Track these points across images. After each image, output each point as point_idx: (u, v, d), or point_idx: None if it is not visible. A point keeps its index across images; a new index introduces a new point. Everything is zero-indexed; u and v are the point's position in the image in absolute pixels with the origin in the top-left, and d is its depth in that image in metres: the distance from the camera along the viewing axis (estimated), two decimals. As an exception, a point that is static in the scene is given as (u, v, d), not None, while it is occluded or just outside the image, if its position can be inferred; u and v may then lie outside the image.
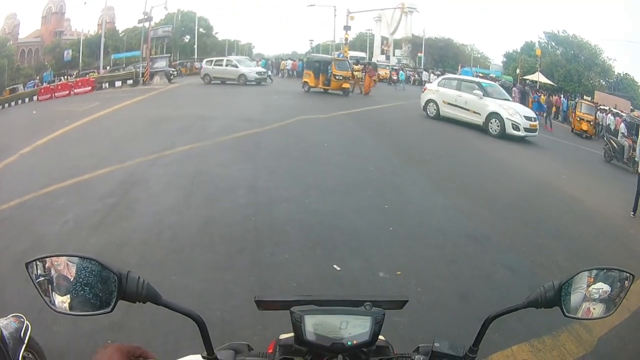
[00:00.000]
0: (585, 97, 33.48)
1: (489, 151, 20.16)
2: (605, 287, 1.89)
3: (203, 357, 1.87)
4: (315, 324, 1.83)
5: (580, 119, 28.63)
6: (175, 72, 39.06)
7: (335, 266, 8.04)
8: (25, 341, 3.99)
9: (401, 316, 5.79)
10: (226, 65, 38.53)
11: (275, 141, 17.94)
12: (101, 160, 14.23)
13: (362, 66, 37.34)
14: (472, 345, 1.92)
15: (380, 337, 1.94)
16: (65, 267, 1.68)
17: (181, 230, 9.35)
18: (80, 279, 1.67)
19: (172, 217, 10.06)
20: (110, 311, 1.68)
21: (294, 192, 11.92)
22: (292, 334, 1.91)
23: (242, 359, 1.96)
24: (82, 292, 1.67)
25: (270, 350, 2.04)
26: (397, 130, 22.44)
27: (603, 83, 37.52)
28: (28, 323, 4.08)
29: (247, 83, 37.70)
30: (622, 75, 36.95)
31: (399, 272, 7.96)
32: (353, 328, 1.84)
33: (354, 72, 35.33)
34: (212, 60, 39.09)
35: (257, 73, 38.98)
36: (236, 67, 38.44)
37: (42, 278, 1.68)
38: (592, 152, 24.08)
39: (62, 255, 1.69)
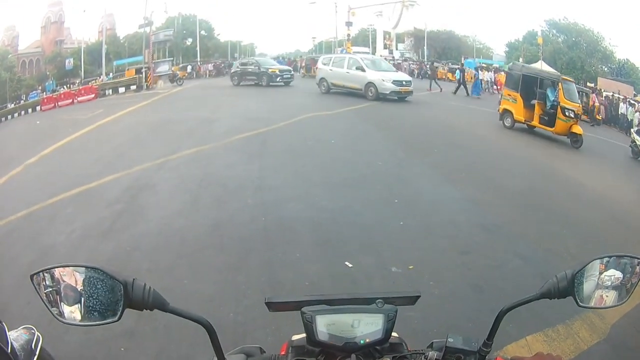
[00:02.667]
0: (588, 83, 33.37)
1: (493, 139, 20.38)
2: (618, 274, 1.88)
3: None
4: (327, 324, 1.82)
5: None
6: (183, 76, 39.08)
7: (347, 263, 7.99)
8: (37, 353, 3.88)
9: (414, 311, 5.67)
10: (349, 69, 29.84)
11: (281, 140, 17.93)
12: (107, 167, 14.21)
13: None
14: (485, 339, 1.90)
15: (394, 333, 1.93)
16: (71, 278, 1.67)
17: (190, 234, 9.32)
18: (87, 289, 1.66)
19: (180, 220, 10.04)
20: (117, 320, 1.67)
21: (301, 190, 11.90)
22: (304, 335, 1.90)
23: None
24: (88, 302, 1.66)
25: (283, 352, 2.01)
26: (400, 123, 22.32)
27: (605, 69, 37.42)
28: (39, 334, 4.00)
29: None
30: (623, 61, 36.87)
31: (411, 266, 7.91)
32: (365, 326, 1.84)
33: None
34: (330, 59, 32.58)
35: (396, 82, 27.64)
36: (363, 70, 28.67)
37: (49, 289, 1.66)
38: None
39: (67, 265, 1.67)
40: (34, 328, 4.04)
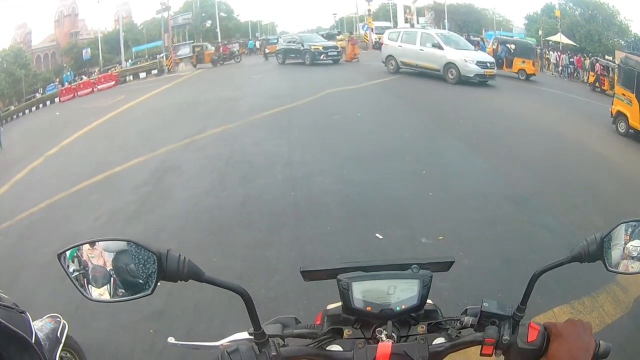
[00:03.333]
0: (606, 56, 33.34)
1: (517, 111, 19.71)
2: None
3: (250, 334, 1.77)
4: (363, 291, 1.81)
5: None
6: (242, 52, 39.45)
7: (377, 235, 7.96)
8: (63, 340, 3.88)
9: (445, 281, 5.77)
10: (422, 45, 26.49)
11: (306, 116, 17.85)
12: (131, 151, 14.22)
13: (346, 36, 40.19)
14: (520, 303, 1.86)
15: (429, 301, 1.92)
16: (101, 254, 1.59)
17: (219, 212, 9.35)
18: (117, 264, 1.59)
19: (208, 199, 10.05)
20: (151, 293, 1.58)
21: (329, 164, 11.81)
22: (339, 304, 1.90)
23: (290, 332, 1.89)
24: (120, 277, 1.59)
25: (318, 322, 1.99)
26: (425, 95, 22.30)
27: (622, 42, 37.53)
28: (65, 322, 4.00)
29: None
30: (639, 35, 37.03)
31: (441, 237, 7.89)
32: (401, 292, 1.83)
33: (339, 42, 36.95)
34: (398, 34, 29.21)
35: (480, 64, 24.84)
36: (440, 48, 25.78)
37: (77, 267, 1.59)
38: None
39: (96, 240, 1.58)
40: (59, 316, 3.96)
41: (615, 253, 1.83)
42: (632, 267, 1.83)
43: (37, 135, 21.33)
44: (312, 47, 33.48)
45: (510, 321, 1.79)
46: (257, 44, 42.88)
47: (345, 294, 1.79)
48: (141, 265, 1.57)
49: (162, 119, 19.66)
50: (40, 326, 3.78)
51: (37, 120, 26.16)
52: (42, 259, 7.75)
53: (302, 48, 33.86)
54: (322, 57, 32.96)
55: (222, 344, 1.81)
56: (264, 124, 16.57)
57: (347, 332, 1.82)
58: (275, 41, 41.52)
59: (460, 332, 1.83)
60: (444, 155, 12.86)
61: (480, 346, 1.79)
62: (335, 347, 1.80)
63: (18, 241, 9.24)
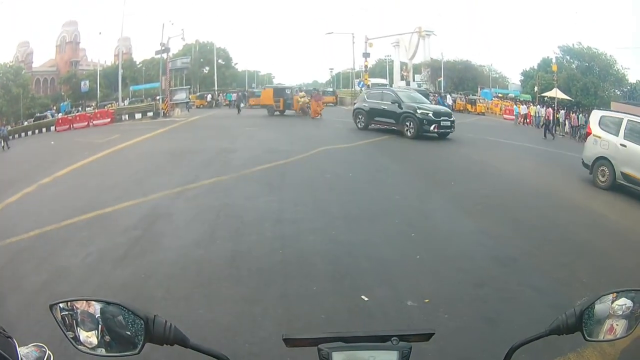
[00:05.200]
0: (601, 109, 33.75)
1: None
2: (628, 303, 1.92)
3: None
4: None
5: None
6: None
7: (363, 296, 7.96)
8: None
9: (429, 344, 5.71)
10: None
11: (299, 172, 17.98)
12: (124, 193, 14.33)
13: (306, 93, 39.15)
14: None
15: None
16: (91, 310, 1.71)
17: (207, 264, 9.35)
18: (106, 323, 1.70)
19: (197, 251, 10.05)
20: (138, 353, 1.70)
21: (320, 223, 11.88)
22: None
23: None
24: (108, 335, 1.70)
25: None
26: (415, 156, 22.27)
27: (618, 93, 37.98)
28: (50, 353, 4.01)
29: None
30: (635, 83, 37.42)
31: (426, 300, 7.89)
32: None
33: (300, 98, 37.10)
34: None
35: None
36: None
37: (68, 320, 1.70)
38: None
39: (88, 299, 1.72)
40: (44, 346, 4.02)
41: (597, 320, 1.90)
42: (617, 327, 1.91)
43: (31, 161, 21.55)
44: (419, 112, 25.80)
45: None
46: (234, 96, 42.92)
47: None
48: (129, 326, 1.70)
49: (156, 164, 19.85)
50: (25, 353, 3.84)
51: (33, 146, 26.27)
52: (30, 286, 7.87)
53: (399, 110, 26.59)
54: (432, 127, 25.59)
55: None
56: (255, 178, 16.69)
57: None
58: (259, 94, 41.53)
59: None
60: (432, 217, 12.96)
61: None
62: None
63: (6, 266, 9.34)
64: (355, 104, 31.38)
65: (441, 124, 25.85)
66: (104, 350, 1.69)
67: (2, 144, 26.97)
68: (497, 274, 9.18)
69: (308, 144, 23.57)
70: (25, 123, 31.71)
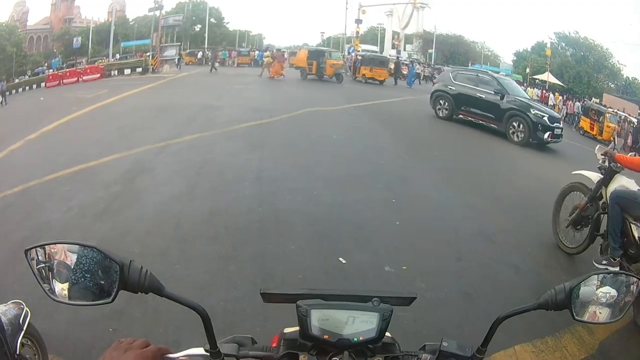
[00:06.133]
0: (593, 98, 33.52)
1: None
2: (613, 292, 1.88)
3: (206, 350, 1.83)
4: (321, 319, 1.80)
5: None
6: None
7: (340, 259, 7.96)
8: (24, 328, 3.96)
9: (405, 311, 5.75)
10: None
11: (283, 132, 18.01)
12: (108, 147, 14.23)
13: (270, 53, 38.70)
14: (480, 345, 1.89)
15: (387, 333, 1.90)
16: (66, 255, 1.65)
17: (185, 220, 9.31)
18: (81, 268, 1.65)
19: (176, 206, 10.03)
20: (111, 301, 1.66)
21: (300, 183, 11.87)
22: (296, 328, 1.89)
23: (245, 353, 1.90)
24: (82, 281, 1.65)
25: (274, 344, 2.00)
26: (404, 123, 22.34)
27: (612, 86, 37.71)
28: (28, 309, 4.07)
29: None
30: (630, 79, 37.14)
31: (404, 267, 7.88)
32: (360, 324, 1.82)
33: (264, 58, 36.99)
34: None
35: None
36: None
37: (42, 265, 1.65)
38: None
39: (62, 242, 1.66)
40: (23, 303, 4.07)
41: (584, 300, 1.87)
42: (600, 315, 1.88)
43: (20, 118, 21.51)
44: (532, 112, 20.97)
45: None
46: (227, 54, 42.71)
47: (303, 320, 1.80)
48: (104, 272, 1.65)
49: (142, 118, 19.77)
50: (3, 310, 3.87)
51: (21, 103, 26.03)
52: (11, 244, 7.73)
53: (503, 104, 21.98)
54: (546, 135, 20.76)
55: (177, 358, 1.81)
56: (238, 136, 16.79)
57: (302, 357, 1.86)
58: (246, 53, 41.13)
59: None
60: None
61: None
62: None
63: (-11, 223, 9.23)
64: (435, 83, 26.06)
65: (555, 132, 20.87)
66: (77, 298, 1.66)
67: (0, 99, 26.91)
68: (477, 248, 9.12)
69: (294, 104, 23.54)
70: (17, 80, 31.51)
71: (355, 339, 1.81)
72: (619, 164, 8.03)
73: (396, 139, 18.66)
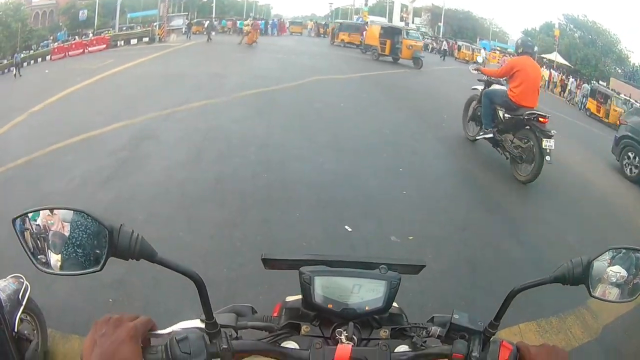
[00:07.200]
0: (600, 82, 33.48)
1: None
2: (623, 272, 1.77)
3: (202, 321, 1.69)
4: (325, 287, 1.73)
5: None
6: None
7: (346, 227, 7.93)
8: (24, 303, 3.97)
9: (411, 282, 5.70)
10: None
11: (290, 99, 17.93)
12: (113, 116, 14.10)
13: (251, 22, 38.59)
14: (492, 319, 1.79)
15: (394, 304, 1.85)
16: (54, 222, 1.53)
17: (191, 186, 9.29)
18: (70, 235, 1.52)
19: (182, 172, 10.00)
20: (100, 270, 1.51)
21: (306, 150, 11.80)
22: (299, 297, 1.83)
23: (244, 323, 1.80)
24: (70, 249, 1.52)
25: (276, 314, 1.96)
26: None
27: (619, 71, 37.62)
28: (27, 284, 4.06)
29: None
30: (637, 66, 37.07)
31: (411, 237, 7.83)
32: (366, 292, 1.75)
33: (244, 27, 37.06)
34: None
35: None
36: None
37: (29, 234, 1.55)
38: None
39: (48, 208, 1.53)
40: (22, 277, 4.01)
41: (598, 277, 1.77)
42: (610, 295, 1.78)
43: (24, 91, 21.46)
44: None
45: (480, 337, 1.74)
46: (228, 23, 42.79)
47: (306, 288, 1.74)
48: (93, 239, 1.52)
49: (147, 86, 19.65)
50: (3, 286, 3.84)
51: (26, 77, 25.99)
52: (11, 216, 7.67)
53: None
54: None
55: (172, 330, 1.71)
56: (245, 103, 16.69)
57: (304, 328, 1.78)
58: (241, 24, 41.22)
59: (425, 342, 1.79)
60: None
61: None
62: (291, 344, 1.75)
63: (-8, 197, 9.23)
64: (621, 123, 15.71)
65: None
66: (66, 268, 1.53)
67: (15, 72, 26.95)
68: (482, 220, 9.14)
69: (302, 72, 23.36)
70: (22, 55, 31.55)
71: (361, 309, 1.74)
72: (486, 75, 12.57)
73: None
